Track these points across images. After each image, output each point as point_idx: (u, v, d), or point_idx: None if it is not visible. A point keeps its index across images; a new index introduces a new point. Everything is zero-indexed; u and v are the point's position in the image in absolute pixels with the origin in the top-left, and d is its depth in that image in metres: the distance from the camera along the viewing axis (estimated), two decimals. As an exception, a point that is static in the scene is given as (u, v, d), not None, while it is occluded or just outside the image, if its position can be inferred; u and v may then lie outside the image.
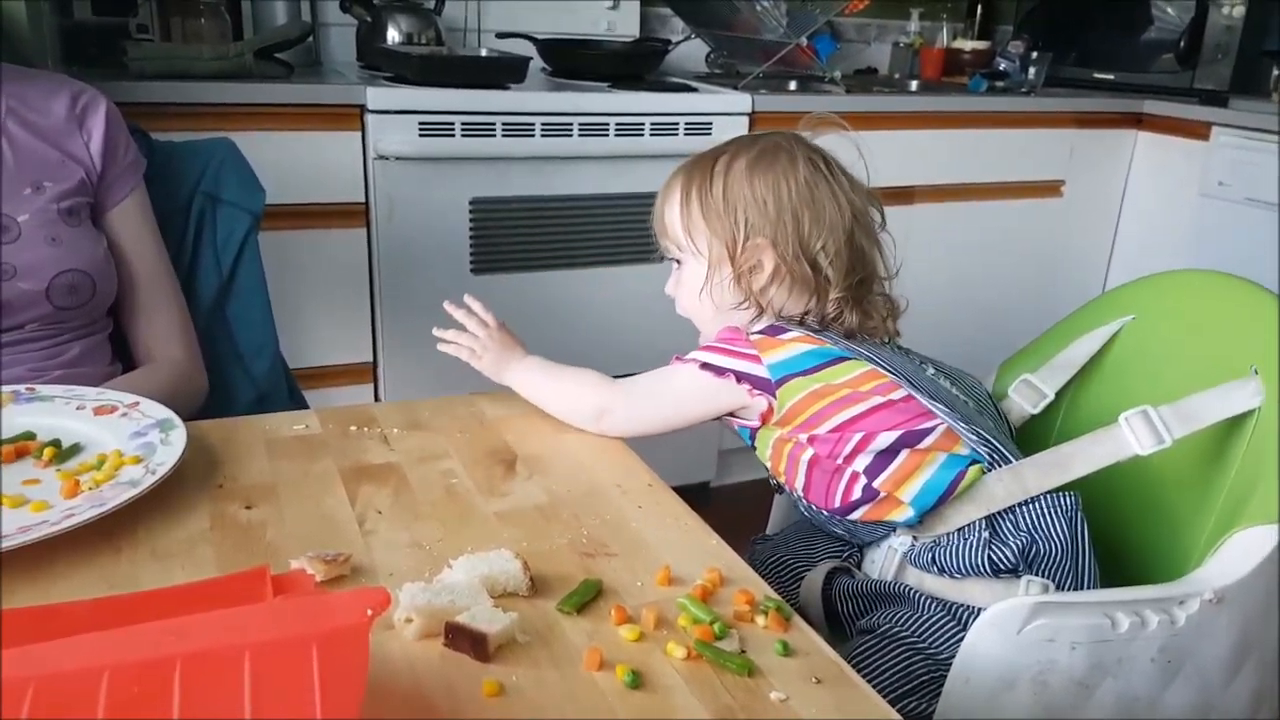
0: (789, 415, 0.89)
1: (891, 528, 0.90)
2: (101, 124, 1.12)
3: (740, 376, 0.89)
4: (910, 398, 0.88)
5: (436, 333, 1.05)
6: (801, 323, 0.93)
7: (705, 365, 0.91)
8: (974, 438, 0.87)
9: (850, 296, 0.93)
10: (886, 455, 0.86)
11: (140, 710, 0.45)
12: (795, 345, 0.90)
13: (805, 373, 0.88)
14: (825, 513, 0.91)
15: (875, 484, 0.87)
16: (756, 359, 0.89)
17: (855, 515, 0.90)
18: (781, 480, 0.94)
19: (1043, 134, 2.44)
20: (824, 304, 0.93)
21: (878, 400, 0.87)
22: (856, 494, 0.88)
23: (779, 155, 0.94)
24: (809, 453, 0.89)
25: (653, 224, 1.02)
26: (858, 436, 0.86)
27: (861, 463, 0.87)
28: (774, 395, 0.88)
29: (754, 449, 0.95)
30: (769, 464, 0.94)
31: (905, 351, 0.97)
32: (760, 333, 0.92)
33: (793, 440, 0.90)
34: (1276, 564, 0.82)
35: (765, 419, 0.90)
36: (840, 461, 0.87)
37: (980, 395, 0.99)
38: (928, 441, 0.86)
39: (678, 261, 1.00)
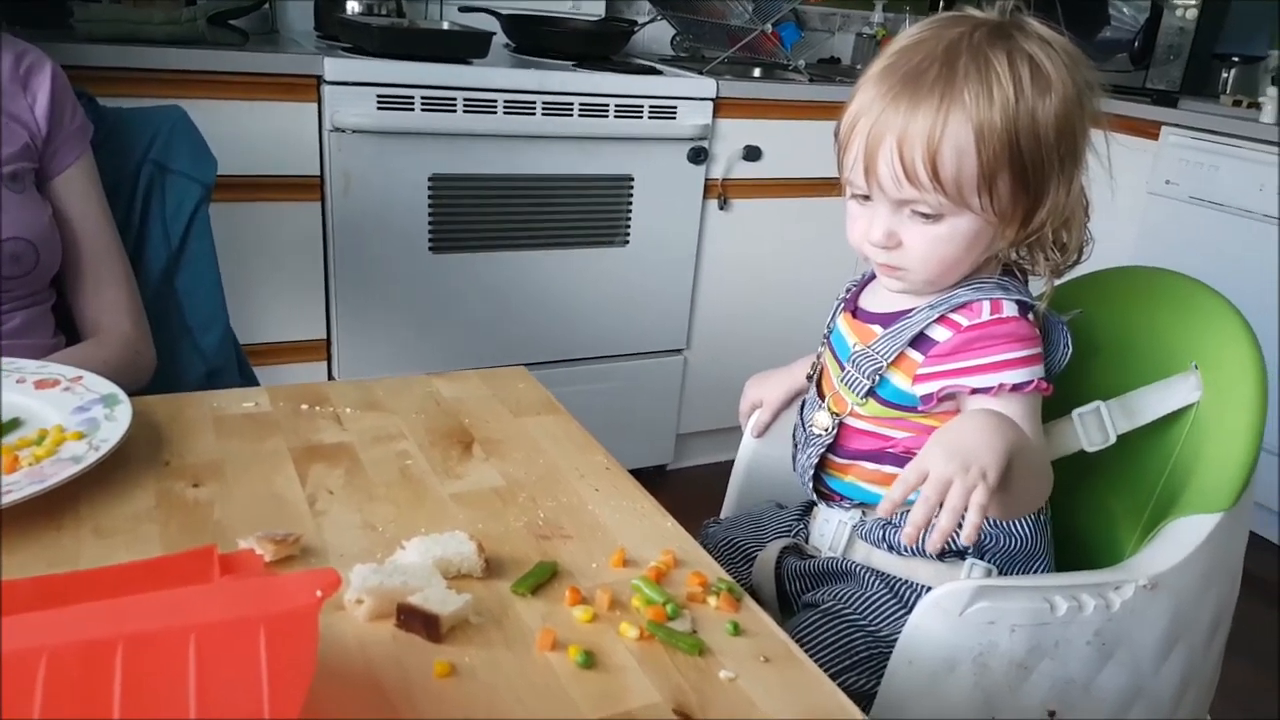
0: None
1: (857, 504, 0.91)
2: (47, 86, 1.09)
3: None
4: None
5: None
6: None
7: (1044, 379, 0.82)
8: None
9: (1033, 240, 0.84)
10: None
11: (80, 694, 0.44)
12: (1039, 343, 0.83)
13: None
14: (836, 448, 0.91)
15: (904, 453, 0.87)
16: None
17: (850, 475, 0.91)
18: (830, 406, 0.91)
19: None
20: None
21: None
22: (875, 446, 0.89)
23: (1026, 49, 0.78)
24: (894, 432, 0.88)
25: (890, 166, 0.78)
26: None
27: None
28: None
29: (863, 398, 0.88)
30: (835, 401, 0.91)
31: None
32: (1035, 320, 0.83)
33: (903, 414, 0.87)
34: (1208, 551, 0.85)
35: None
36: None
37: None
38: None
39: (922, 215, 0.80)
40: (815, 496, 0.95)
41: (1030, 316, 0.83)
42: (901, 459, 0.86)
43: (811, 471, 0.92)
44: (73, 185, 1.12)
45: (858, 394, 0.88)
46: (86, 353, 1.07)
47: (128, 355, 1.12)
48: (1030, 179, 0.79)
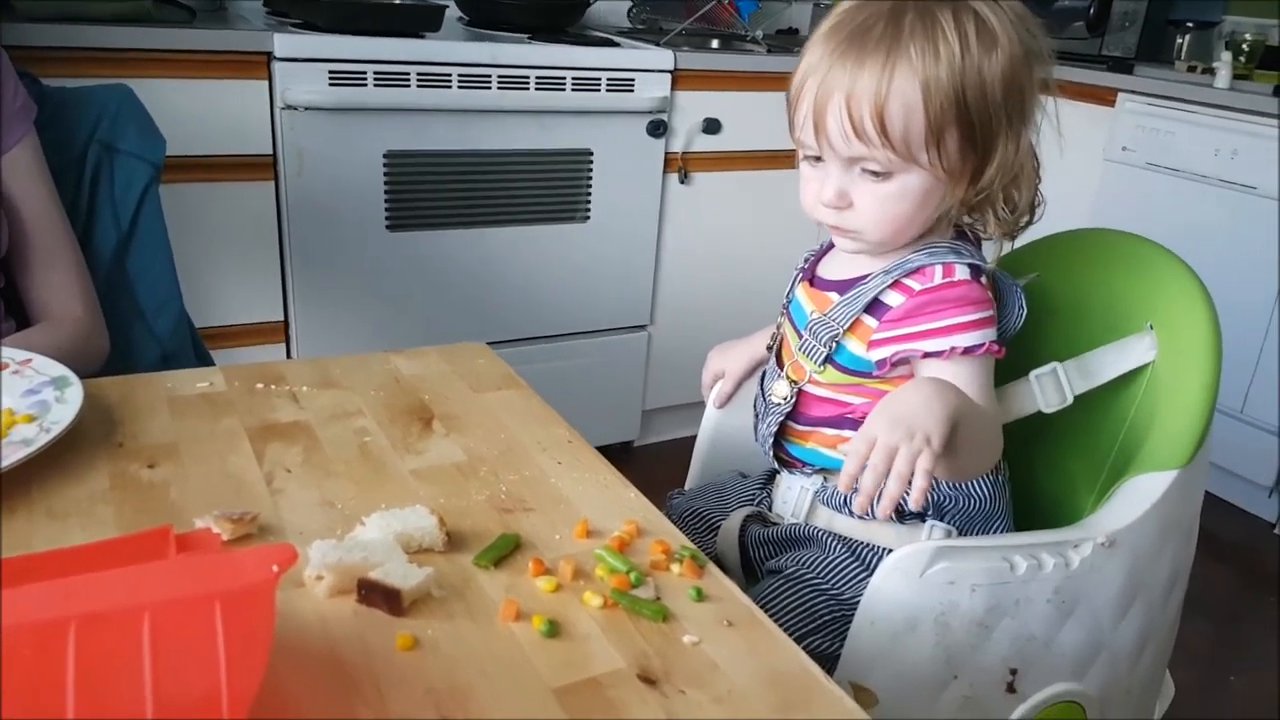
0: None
1: (817, 470, 0.92)
2: None
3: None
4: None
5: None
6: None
7: (989, 347, 0.82)
8: None
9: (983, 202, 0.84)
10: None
11: (33, 674, 0.44)
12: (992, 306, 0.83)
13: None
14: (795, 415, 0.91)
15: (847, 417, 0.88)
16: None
17: (810, 442, 0.91)
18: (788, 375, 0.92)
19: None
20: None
21: None
22: (834, 412, 0.89)
23: (972, 7, 0.78)
24: (852, 399, 0.88)
25: (807, 125, 0.81)
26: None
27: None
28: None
29: (820, 366, 0.89)
30: (792, 368, 0.91)
31: None
32: (987, 283, 0.83)
33: (859, 379, 0.87)
34: (1165, 508, 0.86)
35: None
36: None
37: None
38: None
39: (871, 172, 0.81)
40: (776, 464, 0.95)
41: (983, 280, 0.84)
42: (860, 424, 0.86)
43: (771, 440, 0.93)
44: (17, 166, 1.09)
45: (815, 361, 0.88)
46: (37, 337, 1.04)
47: (80, 339, 1.09)
48: (978, 135, 0.79)
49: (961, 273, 0.83)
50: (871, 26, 0.78)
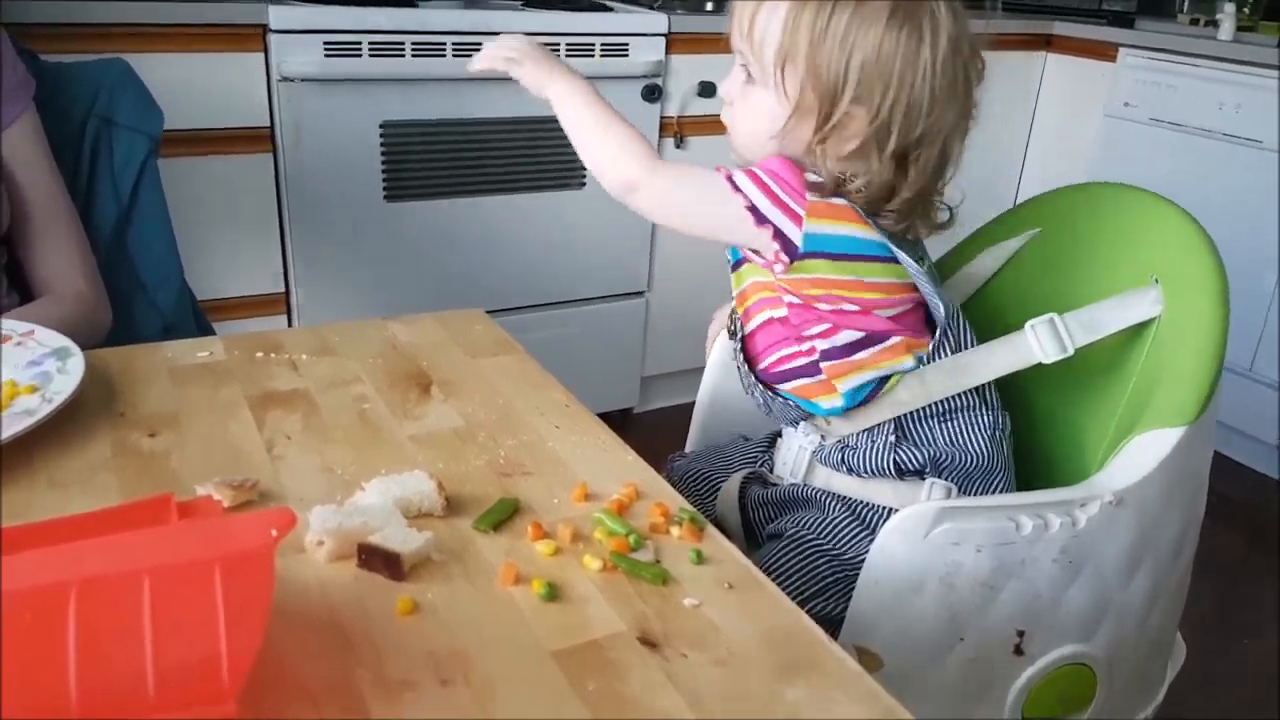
0: (794, 283, 0.84)
1: (805, 414, 0.91)
2: None
3: (776, 232, 0.81)
4: (920, 311, 0.87)
5: (470, 64, 0.93)
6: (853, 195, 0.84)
7: (751, 208, 0.81)
8: (937, 354, 0.87)
9: (914, 204, 0.84)
10: (848, 349, 0.86)
11: (34, 638, 0.44)
12: (845, 224, 0.81)
13: (837, 257, 0.82)
14: (758, 371, 0.91)
15: (822, 365, 0.87)
16: (799, 220, 0.81)
17: (787, 386, 0.90)
18: (739, 316, 0.93)
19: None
20: (886, 199, 0.83)
21: (892, 312, 0.85)
22: (800, 363, 0.88)
23: (921, 6, 0.79)
24: (781, 311, 0.87)
25: (730, 16, 0.85)
26: (829, 326, 0.85)
27: (822, 344, 0.86)
28: (793, 261, 0.82)
29: (732, 271, 0.92)
30: (737, 294, 0.92)
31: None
32: (816, 190, 0.82)
33: (776, 292, 0.87)
34: (1173, 466, 0.85)
35: (768, 267, 0.84)
36: (803, 334, 0.86)
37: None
38: (890, 343, 0.86)
39: (748, 73, 0.85)
40: (769, 408, 0.94)
41: (809, 181, 0.82)
42: (815, 367, 0.87)
43: (751, 381, 0.92)
44: (16, 141, 1.09)
45: (733, 272, 0.92)
46: (40, 311, 1.04)
47: (83, 313, 1.09)
48: (825, 82, 0.79)
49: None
50: None
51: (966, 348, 0.89)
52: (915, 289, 0.86)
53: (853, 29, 0.78)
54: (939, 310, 0.86)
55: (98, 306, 1.13)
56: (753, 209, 0.81)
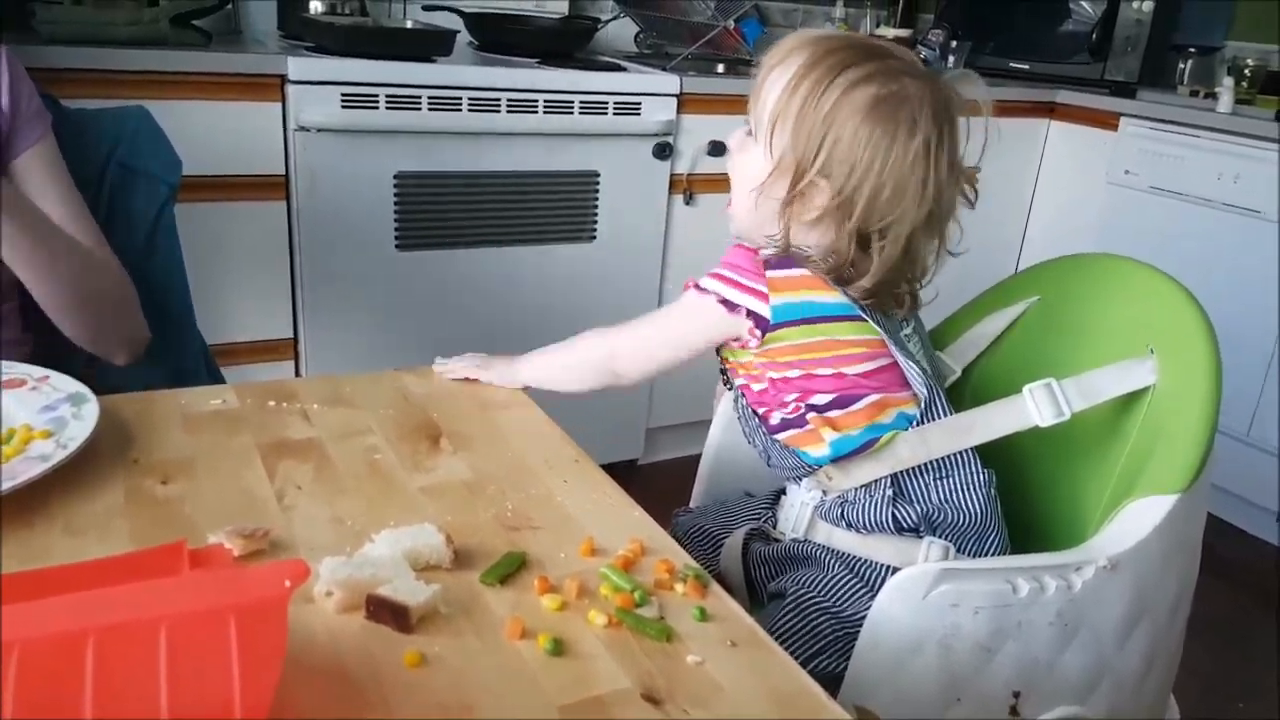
0: (769, 354, 0.88)
1: (804, 466, 0.92)
2: (4, 72, 1.07)
3: (749, 313, 0.87)
4: (894, 367, 0.89)
5: (438, 364, 1.04)
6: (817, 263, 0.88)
7: (723, 300, 0.87)
8: (930, 414, 0.89)
9: (881, 287, 0.87)
10: (824, 409, 0.89)
11: (52, 685, 0.45)
12: (806, 291, 0.86)
13: (805, 321, 0.86)
14: (756, 421, 0.94)
15: (809, 417, 0.89)
16: (765, 297, 0.86)
17: (781, 436, 0.92)
18: (730, 376, 0.96)
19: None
20: (855, 277, 0.87)
21: (863, 368, 0.88)
22: (791, 415, 0.90)
23: (903, 108, 0.84)
24: (761, 385, 0.91)
25: (753, 88, 0.92)
26: (799, 394, 0.89)
27: (802, 405, 0.89)
28: (765, 333, 0.86)
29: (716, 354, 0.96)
30: (725, 364, 0.96)
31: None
32: (774, 265, 0.87)
33: (756, 370, 0.91)
34: (1167, 532, 0.86)
35: (744, 346, 0.89)
36: (784, 399, 0.90)
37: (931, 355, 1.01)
38: (866, 401, 0.88)
39: (752, 136, 0.91)
40: (768, 455, 0.96)
41: (766, 261, 0.87)
42: (803, 419, 0.90)
43: (754, 420, 0.94)
44: (33, 166, 1.09)
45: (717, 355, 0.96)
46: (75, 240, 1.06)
47: (116, 269, 1.11)
48: (800, 149, 0.85)
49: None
50: (835, 48, 0.86)
51: (948, 411, 0.91)
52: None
53: (837, 109, 0.84)
54: (910, 369, 0.89)
55: (127, 281, 1.13)
56: (724, 301, 0.87)
